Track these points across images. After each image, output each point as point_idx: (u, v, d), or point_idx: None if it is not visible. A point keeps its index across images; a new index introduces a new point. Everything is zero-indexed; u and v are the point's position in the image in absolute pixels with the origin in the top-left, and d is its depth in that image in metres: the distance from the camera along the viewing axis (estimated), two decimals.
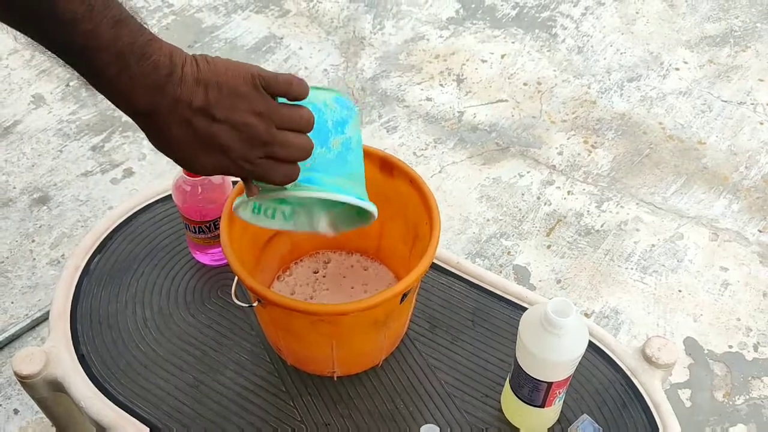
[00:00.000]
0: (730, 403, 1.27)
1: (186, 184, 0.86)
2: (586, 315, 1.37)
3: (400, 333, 0.84)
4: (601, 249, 1.49)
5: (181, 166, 0.57)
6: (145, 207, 1.00)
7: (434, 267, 0.95)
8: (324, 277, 0.91)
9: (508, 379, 0.78)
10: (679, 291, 1.42)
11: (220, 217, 0.84)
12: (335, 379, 0.83)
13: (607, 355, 0.87)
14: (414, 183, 0.79)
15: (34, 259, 1.41)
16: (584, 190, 1.60)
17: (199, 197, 0.86)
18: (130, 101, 0.52)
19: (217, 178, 0.86)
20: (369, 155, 0.82)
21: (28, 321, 1.29)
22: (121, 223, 0.98)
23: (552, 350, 0.68)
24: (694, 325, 1.37)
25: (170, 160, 0.56)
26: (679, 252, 1.49)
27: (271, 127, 0.54)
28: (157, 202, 1.01)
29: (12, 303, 1.34)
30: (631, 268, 1.46)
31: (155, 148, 0.55)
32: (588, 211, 1.56)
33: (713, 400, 1.27)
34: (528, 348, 0.69)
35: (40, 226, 1.47)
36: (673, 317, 1.38)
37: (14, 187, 1.55)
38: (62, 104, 1.73)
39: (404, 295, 0.72)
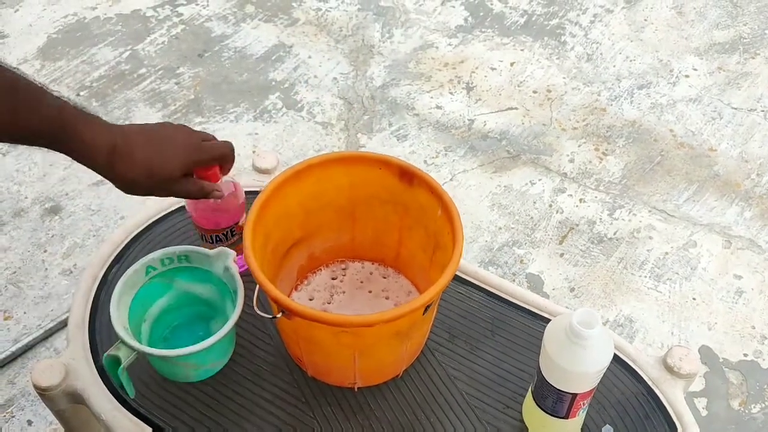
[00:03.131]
0: (746, 411, 1.26)
1: None
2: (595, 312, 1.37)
3: (420, 343, 0.84)
4: (614, 257, 1.48)
5: None
6: (162, 217, 1.00)
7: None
8: (342, 282, 0.91)
9: (530, 389, 0.78)
10: (693, 299, 1.42)
11: (233, 225, 0.84)
12: (356, 390, 0.83)
13: (629, 365, 0.87)
14: (435, 192, 0.79)
15: (47, 269, 1.41)
16: (596, 197, 1.60)
17: (211, 205, 0.85)
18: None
19: (228, 186, 0.84)
20: (388, 164, 0.82)
21: (41, 331, 1.29)
22: (138, 233, 0.98)
23: (577, 361, 0.68)
24: (709, 333, 1.37)
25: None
26: (692, 260, 1.48)
27: None
28: (173, 212, 1.01)
29: (25, 313, 1.34)
30: (645, 276, 1.45)
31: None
32: (600, 218, 1.55)
33: (729, 408, 1.27)
34: (553, 359, 0.69)
35: (52, 236, 1.47)
36: (688, 326, 1.37)
37: (26, 197, 1.55)
38: None
39: (427, 307, 0.72)
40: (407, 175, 0.81)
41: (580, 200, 1.59)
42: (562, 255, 1.48)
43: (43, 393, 0.81)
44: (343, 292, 0.91)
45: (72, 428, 0.90)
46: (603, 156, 1.69)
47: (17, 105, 0.63)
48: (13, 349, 1.26)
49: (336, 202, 0.86)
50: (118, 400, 0.81)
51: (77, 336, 0.86)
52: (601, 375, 0.71)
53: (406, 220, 0.86)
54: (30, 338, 1.28)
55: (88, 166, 0.69)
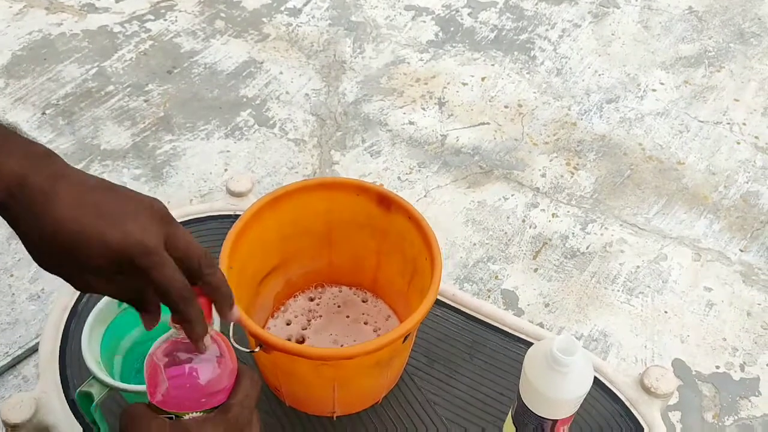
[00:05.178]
0: (720, 424, 1.28)
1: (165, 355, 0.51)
2: (576, 339, 1.38)
3: (400, 370, 0.84)
4: (588, 271, 1.50)
5: None
6: None
7: None
8: (318, 306, 0.90)
9: (510, 414, 0.78)
10: (665, 312, 1.44)
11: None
12: (334, 418, 0.82)
13: (606, 386, 0.87)
14: (413, 219, 0.79)
15: (13, 294, 1.38)
16: (568, 212, 1.61)
17: (193, 376, 0.50)
18: None
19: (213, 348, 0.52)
20: (366, 190, 0.82)
21: (9, 359, 1.25)
22: None
23: (558, 388, 0.68)
24: (682, 346, 1.38)
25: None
26: (663, 273, 1.50)
27: None
28: None
29: None
30: (618, 290, 1.47)
31: None
32: (573, 233, 1.57)
33: (703, 421, 1.28)
34: (533, 386, 0.69)
35: (18, 260, 1.43)
36: (661, 339, 1.39)
37: None
38: (39, 132, 1.70)
39: (407, 336, 0.71)
40: (385, 201, 0.81)
41: (553, 215, 1.60)
42: (536, 270, 1.49)
43: (14, 429, 0.79)
44: (320, 317, 0.90)
45: None
46: (574, 170, 1.71)
47: None
48: None
49: (313, 228, 0.85)
50: None
51: (48, 369, 0.84)
52: (582, 400, 0.71)
53: (383, 246, 0.85)
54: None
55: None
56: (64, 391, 0.83)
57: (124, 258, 0.46)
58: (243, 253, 0.78)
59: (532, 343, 0.92)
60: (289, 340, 0.87)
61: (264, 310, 0.87)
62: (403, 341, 0.72)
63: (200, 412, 0.49)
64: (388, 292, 0.91)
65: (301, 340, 0.88)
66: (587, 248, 1.54)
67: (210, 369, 0.50)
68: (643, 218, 1.61)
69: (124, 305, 0.80)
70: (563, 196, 1.65)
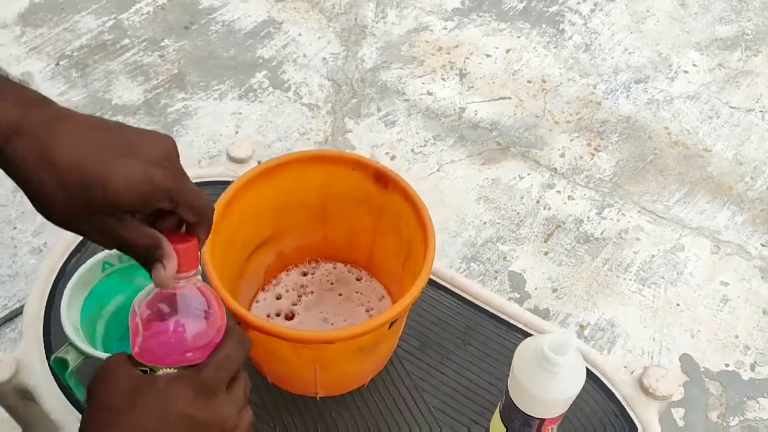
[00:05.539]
0: (724, 424, 1.24)
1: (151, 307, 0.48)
2: (582, 327, 1.34)
3: (388, 353, 0.81)
4: (600, 258, 1.45)
5: None
6: None
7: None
8: (311, 281, 0.87)
9: (498, 407, 0.75)
10: (678, 305, 1.39)
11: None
12: (318, 398, 0.80)
13: (602, 383, 0.84)
14: (409, 198, 0.75)
15: (15, 246, 1.37)
16: (585, 195, 1.56)
17: (176, 327, 0.47)
18: None
19: (196, 294, 0.48)
20: (363, 166, 0.78)
21: (6, 312, 1.25)
22: None
23: (547, 388, 0.65)
24: (692, 341, 1.34)
25: None
26: (679, 264, 1.45)
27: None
28: None
29: None
30: (630, 279, 1.42)
31: None
32: (588, 217, 1.52)
33: (707, 420, 1.25)
34: (521, 384, 0.65)
35: (22, 212, 1.42)
36: (670, 332, 1.35)
37: None
38: (51, 84, 1.68)
39: (393, 322, 0.68)
40: (382, 178, 0.77)
41: (569, 197, 1.55)
42: (546, 253, 1.45)
43: None
44: (312, 293, 0.87)
45: (26, 424, 0.86)
46: (595, 152, 1.65)
47: None
48: None
49: (308, 201, 0.82)
50: (70, 401, 0.78)
51: (31, 330, 0.82)
52: (572, 401, 0.68)
53: (380, 224, 0.82)
54: None
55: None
56: (46, 354, 0.81)
57: (153, 188, 0.44)
58: (232, 223, 0.75)
59: (529, 334, 0.88)
60: (278, 315, 0.85)
61: (254, 282, 0.85)
62: (389, 327, 0.69)
63: (176, 368, 0.46)
64: (383, 272, 0.87)
65: (291, 316, 0.85)
66: (602, 234, 1.49)
67: (193, 324, 0.46)
68: (663, 206, 1.55)
69: (108, 269, 0.78)
70: (581, 178, 1.59)
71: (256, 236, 0.81)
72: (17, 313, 1.26)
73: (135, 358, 0.46)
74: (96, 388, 0.45)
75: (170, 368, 0.46)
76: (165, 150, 0.46)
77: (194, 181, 0.92)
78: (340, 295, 0.87)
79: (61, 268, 0.89)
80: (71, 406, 0.78)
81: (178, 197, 0.45)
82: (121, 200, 0.43)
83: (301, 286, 0.88)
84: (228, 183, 1.00)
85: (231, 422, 0.46)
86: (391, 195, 0.78)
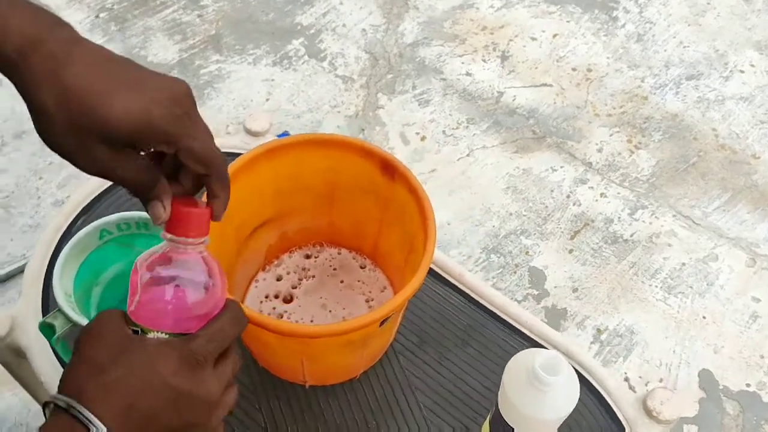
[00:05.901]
0: None
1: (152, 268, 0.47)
2: (599, 331, 1.29)
3: (382, 349, 0.78)
4: (627, 261, 1.40)
5: None
6: None
7: (432, 274, 0.88)
8: (313, 264, 0.85)
9: (488, 418, 0.72)
10: (704, 318, 1.33)
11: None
12: (307, 386, 0.78)
13: (605, 400, 0.80)
14: (413, 192, 0.72)
15: (39, 197, 1.39)
16: (619, 193, 1.50)
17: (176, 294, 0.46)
18: None
19: (197, 259, 0.47)
20: (371, 154, 0.75)
21: (23, 262, 1.26)
22: (111, 186, 0.93)
23: (536, 407, 0.61)
24: (714, 356, 1.28)
25: None
26: (710, 275, 1.39)
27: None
28: None
29: (11, 240, 1.32)
30: (656, 286, 1.36)
31: None
32: (619, 217, 1.46)
33: None
34: (511, 401, 0.62)
35: (50, 164, 1.43)
36: (693, 345, 1.29)
37: (29, 119, 1.51)
38: (89, 35, 1.68)
39: (385, 320, 0.66)
40: (389, 169, 0.74)
41: (601, 194, 1.49)
42: (571, 251, 1.40)
43: None
44: (313, 277, 0.85)
45: (21, 380, 0.87)
46: (635, 149, 1.58)
47: None
48: None
49: (313, 185, 0.79)
50: (61, 364, 0.78)
51: (30, 290, 0.82)
52: (561, 422, 0.65)
53: (386, 215, 0.79)
54: (13, 267, 1.26)
55: (7, 56, 0.42)
56: (43, 314, 0.81)
57: (151, 124, 0.42)
58: (231, 201, 0.73)
59: (532, 339, 0.85)
60: (277, 297, 0.83)
61: (253, 262, 0.83)
62: (380, 325, 0.67)
63: (167, 333, 0.45)
64: (387, 263, 0.85)
65: (289, 299, 0.83)
66: (631, 236, 1.43)
67: (192, 293, 0.46)
68: (701, 212, 1.48)
69: (106, 237, 0.77)
70: (617, 175, 1.53)
71: (258, 216, 0.79)
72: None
73: (129, 316, 0.45)
74: (83, 340, 0.44)
75: (162, 333, 0.45)
76: (173, 92, 0.44)
77: None
78: (342, 282, 0.85)
79: (66, 229, 0.88)
80: (62, 370, 0.78)
81: (178, 141, 0.44)
82: (116, 130, 0.42)
83: (303, 269, 0.86)
84: (240, 155, 0.98)
85: (213, 397, 0.45)
86: (397, 187, 0.74)
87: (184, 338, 0.45)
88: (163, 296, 0.45)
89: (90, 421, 0.40)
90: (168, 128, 0.43)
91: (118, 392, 0.41)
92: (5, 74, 0.43)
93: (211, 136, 0.47)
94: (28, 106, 0.43)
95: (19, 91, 0.43)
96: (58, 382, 0.73)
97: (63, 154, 0.44)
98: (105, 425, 0.40)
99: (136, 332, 0.45)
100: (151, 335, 0.45)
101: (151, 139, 0.43)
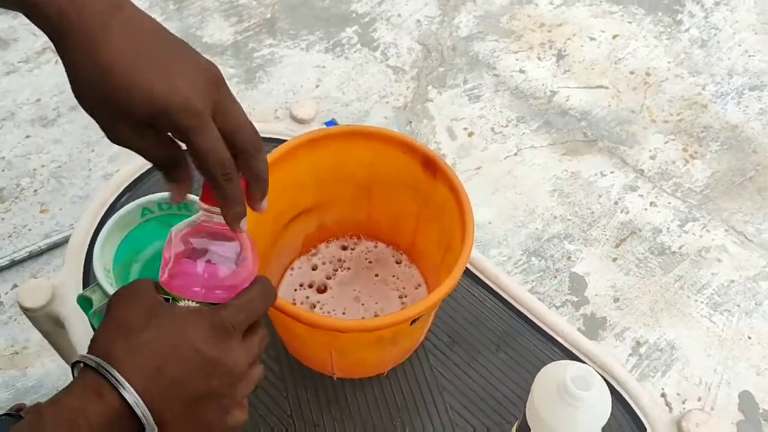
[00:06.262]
0: None
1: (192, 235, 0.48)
2: (638, 343, 1.26)
3: (411, 347, 0.78)
4: (673, 273, 1.35)
5: None
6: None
7: (468, 275, 0.86)
8: (350, 256, 0.85)
9: (515, 427, 0.70)
10: (749, 338, 1.28)
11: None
12: (335, 378, 0.78)
13: (638, 418, 0.78)
14: (454, 191, 0.70)
15: (90, 169, 1.42)
16: (670, 203, 1.45)
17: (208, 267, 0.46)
18: None
19: (234, 242, 0.48)
20: (413, 149, 0.74)
21: (70, 232, 1.29)
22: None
23: (565, 422, 0.60)
24: (756, 379, 1.24)
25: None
26: (759, 294, 1.34)
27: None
28: None
29: (60, 210, 1.35)
30: (702, 302, 1.32)
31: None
32: (668, 228, 1.41)
33: None
34: (539, 412, 0.61)
35: (102, 137, 1.46)
36: (735, 365, 1.25)
37: None
38: (148, 13, 1.70)
39: (416, 319, 0.65)
40: (431, 165, 0.73)
41: (651, 203, 1.45)
42: (615, 260, 1.36)
43: (27, 313, 0.80)
44: (348, 269, 0.85)
45: (59, 348, 0.89)
46: (690, 158, 1.53)
47: None
48: (41, 244, 1.27)
49: (353, 177, 0.79)
50: None
51: (73, 260, 0.84)
52: None
53: (424, 211, 0.78)
54: (60, 236, 1.29)
55: (50, 19, 0.42)
56: (83, 286, 0.83)
57: (166, 112, 0.43)
58: (269, 192, 0.73)
59: (567, 350, 0.83)
60: (311, 286, 0.83)
61: (290, 250, 0.83)
62: (411, 324, 0.66)
63: (197, 302, 0.45)
64: (423, 260, 0.84)
65: (323, 289, 0.83)
66: (680, 248, 1.39)
67: (224, 265, 0.46)
68: (755, 228, 1.43)
69: (148, 215, 0.78)
70: (669, 184, 1.48)
71: (297, 205, 0.79)
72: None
73: (161, 285, 0.46)
74: (115, 303, 0.45)
75: (192, 301, 0.45)
76: (199, 81, 0.44)
77: None
78: (377, 276, 0.84)
79: (111, 203, 0.90)
80: None
81: (188, 137, 0.43)
82: (133, 112, 0.43)
83: (339, 260, 0.85)
84: (284, 141, 0.98)
85: (240, 368, 0.45)
86: (438, 184, 0.73)
87: (214, 307, 0.45)
88: (195, 266, 0.46)
89: (118, 382, 0.40)
90: (181, 122, 0.43)
91: (147, 355, 0.42)
92: (49, 36, 0.44)
93: (243, 125, 0.46)
94: (66, 71, 0.44)
95: (59, 53, 0.44)
96: None
97: (95, 119, 0.45)
98: (133, 386, 0.40)
99: (167, 300, 0.45)
100: (181, 303, 0.45)
101: (165, 128, 0.44)
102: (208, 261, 0.46)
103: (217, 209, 0.47)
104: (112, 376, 0.40)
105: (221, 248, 0.46)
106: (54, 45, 0.44)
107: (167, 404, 0.41)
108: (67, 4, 0.42)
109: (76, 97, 0.44)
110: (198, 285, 0.46)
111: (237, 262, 0.46)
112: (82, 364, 0.42)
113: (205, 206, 0.47)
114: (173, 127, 0.43)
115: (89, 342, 0.44)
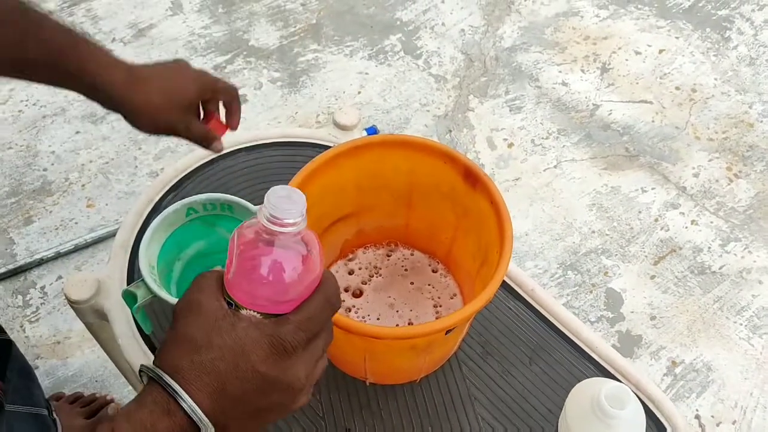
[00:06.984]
0: None
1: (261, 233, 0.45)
2: (674, 363, 1.24)
3: (444, 356, 0.78)
4: (712, 294, 1.33)
5: None
6: (230, 152, 0.98)
7: (504, 287, 0.87)
8: (386, 263, 0.86)
9: None
10: None
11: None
12: (368, 383, 0.79)
13: None
14: (494, 204, 0.71)
15: (137, 166, 1.45)
16: (712, 223, 1.43)
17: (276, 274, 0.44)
18: None
19: (296, 239, 0.45)
20: (454, 160, 0.75)
21: (116, 227, 1.33)
22: (202, 165, 0.96)
23: None
24: None
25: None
26: None
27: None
28: (242, 150, 0.98)
29: (106, 205, 1.39)
30: (741, 324, 1.30)
31: None
32: (709, 247, 1.39)
33: None
34: (572, 429, 0.61)
35: (149, 136, 1.50)
36: None
37: None
38: (198, 16, 1.74)
39: (450, 329, 0.65)
40: (472, 176, 0.73)
41: (692, 222, 1.43)
42: (653, 277, 1.35)
43: (73, 305, 0.83)
44: (384, 276, 0.86)
45: (100, 341, 0.92)
46: (734, 177, 1.50)
47: (26, 30, 0.61)
48: (87, 237, 1.31)
49: (393, 185, 0.80)
50: (139, 331, 0.82)
51: (118, 255, 0.87)
52: None
53: (462, 222, 0.78)
54: (105, 231, 1.32)
55: (102, 96, 0.71)
56: (127, 281, 0.85)
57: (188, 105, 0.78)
58: (312, 195, 0.74)
59: (601, 367, 0.83)
60: (347, 290, 0.84)
61: (328, 253, 0.84)
62: (446, 333, 0.66)
63: (258, 313, 0.45)
64: (459, 270, 0.84)
65: (359, 294, 0.84)
66: (720, 268, 1.37)
67: (288, 271, 0.44)
68: None
69: (192, 215, 0.80)
70: (712, 203, 1.46)
71: (337, 211, 0.80)
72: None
73: (225, 286, 0.46)
74: (180, 313, 0.46)
75: (253, 311, 0.45)
76: (198, 70, 0.79)
77: (294, 139, 1.07)
78: (412, 283, 0.85)
79: (157, 201, 0.92)
80: (138, 335, 0.81)
81: (221, 88, 0.81)
82: (194, 96, 0.79)
83: (375, 266, 0.86)
84: (326, 147, 1.00)
85: (299, 384, 0.46)
86: (478, 196, 0.74)
87: (275, 321, 0.45)
88: (260, 274, 0.44)
89: (184, 401, 0.43)
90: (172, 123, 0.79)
91: (211, 374, 0.44)
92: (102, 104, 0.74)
93: (223, 88, 0.81)
94: (114, 110, 0.73)
95: (99, 101, 0.73)
96: (134, 345, 0.78)
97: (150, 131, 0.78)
98: (199, 405, 0.43)
99: (230, 304, 0.45)
100: (244, 312, 0.45)
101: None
102: (272, 271, 0.44)
103: (282, 217, 0.43)
104: (180, 396, 0.43)
105: (285, 256, 0.44)
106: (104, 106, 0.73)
107: (230, 419, 0.44)
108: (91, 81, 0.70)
109: (146, 122, 0.76)
110: (260, 296, 0.44)
111: (301, 270, 0.44)
112: (147, 376, 0.45)
113: (269, 215, 0.43)
114: (223, 90, 0.81)
115: (156, 352, 0.46)
